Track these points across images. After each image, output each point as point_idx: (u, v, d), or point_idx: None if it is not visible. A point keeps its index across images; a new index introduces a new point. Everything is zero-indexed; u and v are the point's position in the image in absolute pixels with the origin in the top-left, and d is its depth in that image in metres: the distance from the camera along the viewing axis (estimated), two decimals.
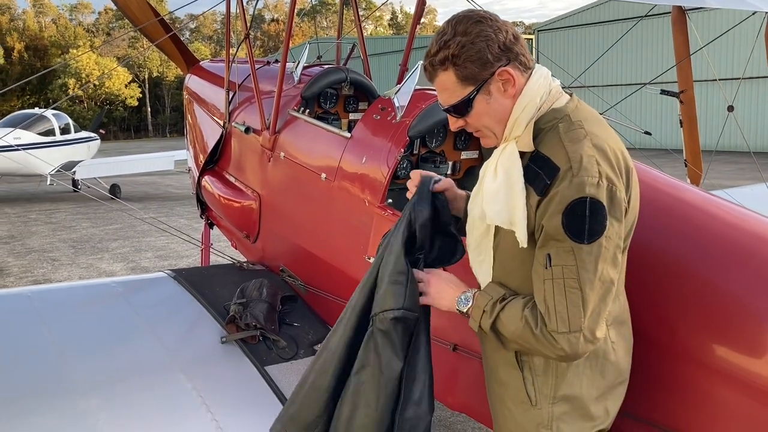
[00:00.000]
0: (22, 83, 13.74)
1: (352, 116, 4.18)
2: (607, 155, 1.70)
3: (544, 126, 1.77)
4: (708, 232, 2.17)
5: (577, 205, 1.63)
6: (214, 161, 4.76)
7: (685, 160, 5.38)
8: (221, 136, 4.62)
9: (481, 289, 1.93)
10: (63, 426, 2.57)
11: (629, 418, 2.03)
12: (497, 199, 1.76)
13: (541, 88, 1.79)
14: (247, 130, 4.23)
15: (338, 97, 4.13)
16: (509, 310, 1.77)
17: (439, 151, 3.33)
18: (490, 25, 1.75)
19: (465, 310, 1.87)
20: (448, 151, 3.36)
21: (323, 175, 3.41)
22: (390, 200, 3.02)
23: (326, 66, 4.34)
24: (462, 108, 1.83)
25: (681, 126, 5.43)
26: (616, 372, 1.88)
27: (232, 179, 4.54)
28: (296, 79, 4.17)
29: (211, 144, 4.77)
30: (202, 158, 4.92)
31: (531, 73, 1.80)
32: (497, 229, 1.84)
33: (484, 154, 3.42)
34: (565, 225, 1.64)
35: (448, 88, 1.83)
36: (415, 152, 3.27)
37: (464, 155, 3.41)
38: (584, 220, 1.63)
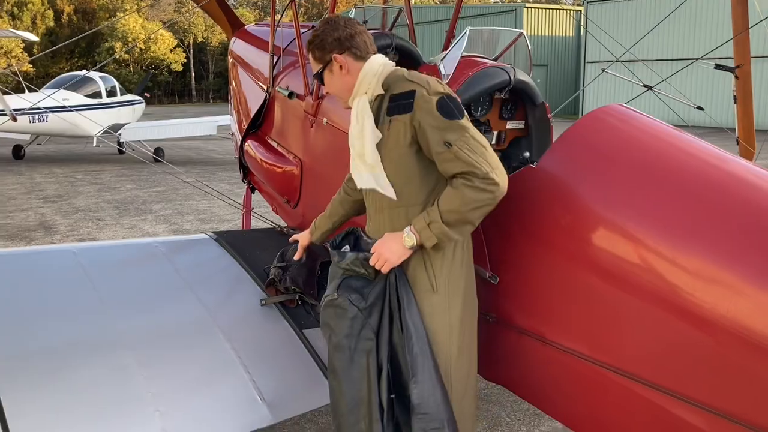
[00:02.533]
0: (70, 42, 13.94)
1: None
2: (442, 83, 2.41)
3: (391, 81, 2.43)
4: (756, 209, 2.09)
5: (441, 101, 2.32)
6: (257, 126, 4.77)
7: (737, 137, 5.21)
8: (264, 100, 4.62)
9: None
10: (104, 381, 2.62)
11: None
12: (356, 136, 2.44)
13: (378, 60, 2.47)
14: (291, 95, 4.21)
15: None
16: (444, 198, 2.28)
17: (484, 120, 3.27)
18: (332, 26, 2.48)
19: (415, 242, 2.32)
20: (493, 120, 3.30)
21: None
22: None
23: (372, 32, 4.28)
24: (317, 78, 2.59)
25: (735, 102, 5.24)
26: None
27: (274, 144, 4.54)
28: None
29: (254, 108, 4.77)
30: (245, 122, 4.93)
31: (369, 57, 2.47)
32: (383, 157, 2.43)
33: (531, 125, 3.35)
34: (443, 114, 2.30)
35: (312, 63, 2.58)
36: None
37: (509, 125, 3.34)
38: (450, 106, 2.32)
